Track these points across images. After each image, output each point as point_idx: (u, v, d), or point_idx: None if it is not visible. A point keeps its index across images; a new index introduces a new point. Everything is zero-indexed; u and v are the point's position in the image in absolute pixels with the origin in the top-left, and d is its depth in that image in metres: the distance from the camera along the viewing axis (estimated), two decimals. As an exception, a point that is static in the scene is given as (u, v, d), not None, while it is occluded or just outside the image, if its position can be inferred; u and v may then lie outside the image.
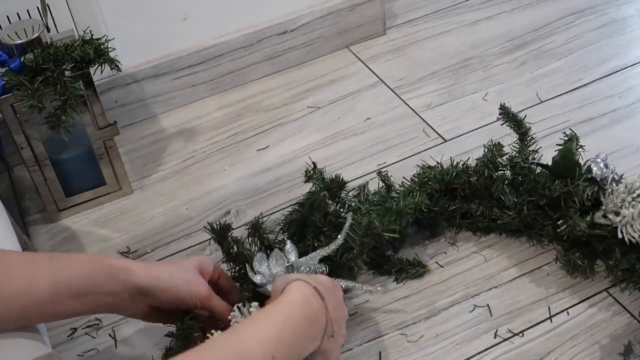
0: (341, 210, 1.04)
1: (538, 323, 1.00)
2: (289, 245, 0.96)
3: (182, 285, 0.86)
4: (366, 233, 0.97)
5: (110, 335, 1.05)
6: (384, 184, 1.13)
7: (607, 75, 1.41)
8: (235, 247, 0.96)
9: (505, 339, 0.99)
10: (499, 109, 1.10)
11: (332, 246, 0.97)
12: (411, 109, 1.38)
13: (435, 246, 1.12)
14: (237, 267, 0.97)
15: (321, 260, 0.96)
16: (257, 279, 0.92)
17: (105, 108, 1.25)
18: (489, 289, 1.05)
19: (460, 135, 1.31)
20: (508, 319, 1.01)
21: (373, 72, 1.48)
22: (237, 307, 0.88)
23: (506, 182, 1.07)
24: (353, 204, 1.06)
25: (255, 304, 0.87)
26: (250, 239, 0.98)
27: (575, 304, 1.02)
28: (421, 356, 0.98)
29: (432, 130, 1.33)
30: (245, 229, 0.99)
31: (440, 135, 1.32)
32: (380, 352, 0.99)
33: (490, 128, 1.31)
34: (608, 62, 1.44)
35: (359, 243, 0.97)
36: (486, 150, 1.08)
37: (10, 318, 0.74)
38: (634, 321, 0.99)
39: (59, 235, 1.22)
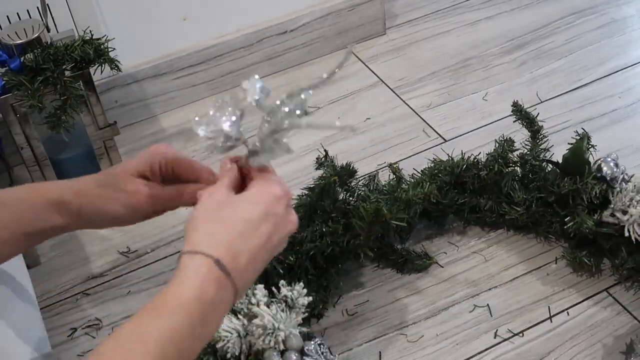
0: (350, 198, 1.04)
1: (538, 323, 1.00)
2: (250, 80, 0.74)
3: (112, 203, 0.75)
4: (373, 220, 0.97)
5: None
6: (394, 176, 1.13)
7: (607, 75, 1.41)
8: None
9: (505, 339, 0.99)
10: (512, 106, 1.10)
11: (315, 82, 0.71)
12: (411, 109, 1.38)
13: (436, 246, 1.12)
14: None
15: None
16: (199, 131, 0.73)
17: (105, 108, 1.25)
18: (489, 289, 1.05)
19: (460, 135, 1.31)
20: (508, 319, 1.01)
21: (373, 72, 1.48)
22: None
23: (516, 178, 1.08)
24: (362, 193, 1.07)
25: (260, 287, 0.86)
26: None
27: (575, 304, 1.02)
28: (421, 356, 0.98)
29: (432, 130, 1.33)
30: None
31: (440, 135, 1.32)
32: (380, 352, 0.99)
33: (490, 128, 1.31)
34: (608, 62, 1.43)
35: (366, 230, 0.97)
36: (497, 145, 1.09)
37: None
38: (634, 321, 0.99)
39: (59, 235, 1.21)
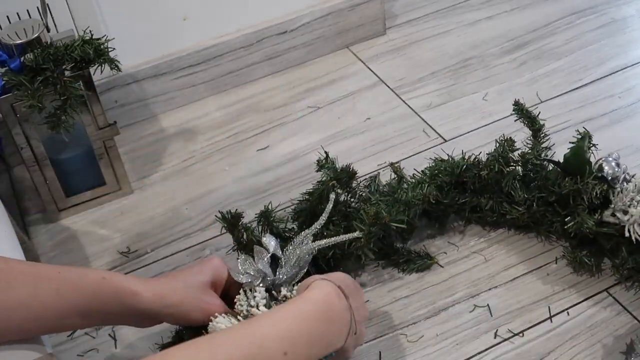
0: (351, 200, 1.04)
1: (538, 323, 1.00)
2: (266, 237, 0.96)
3: (193, 310, 0.86)
4: (374, 222, 0.97)
5: (110, 335, 1.05)
6: (395, 176, 1.13)
7: (607, 75, 1.41)
8: (245, 235, 0.97)
9: (505, 339, 0.99)
10: (513, 105, 1.10)
11: (314, 227, 0.98)
12: (411, 109, 1.38)
13: (436, 246, 1.12)
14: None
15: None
16: (241, 278, 0.92)
17: (105, 108, 1.25)
18: (489, 289, 1.05)
19: (460, 135, 1.31)
20: (508, 319, 1.01)
21: (373, 72, 1.48)
22: (243, 290, 0.90)
23: (517, 177, 1.08)
24: (363, 194, 1.07)
25: (261, 288, 0.90)
26: (260, 227, 1.00)
27: (576, 304, 1.02)
28: (421, 356, 0.98)
29: (432, 130, 1.33)
30: (255, 216, 0.99)
31: (440, 135, 1.32)
32: (380, 352, 0.99)
33: (490, 128, 1.31)
34: (608, 62, 1.44)
35: (367, 232, 0.98)
36: (497, 144, 1.09)
37: (10, 328, 0.73)
38: (634, 321, 0.99)
39: (59, 235, 1.22)
